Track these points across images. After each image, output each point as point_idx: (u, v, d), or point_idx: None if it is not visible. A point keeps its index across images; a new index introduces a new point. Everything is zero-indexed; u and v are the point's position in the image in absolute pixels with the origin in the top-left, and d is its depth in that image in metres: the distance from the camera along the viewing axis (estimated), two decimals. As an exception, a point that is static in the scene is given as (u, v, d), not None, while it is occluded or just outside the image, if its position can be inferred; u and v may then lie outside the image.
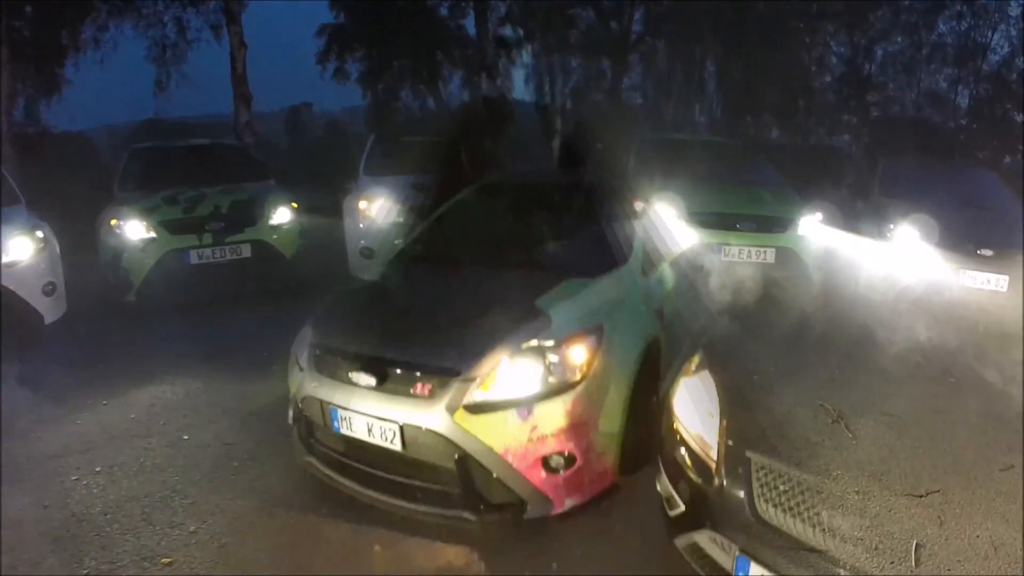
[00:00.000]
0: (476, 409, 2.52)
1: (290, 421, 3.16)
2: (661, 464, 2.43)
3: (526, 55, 20.06)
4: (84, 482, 3.26)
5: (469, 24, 19.23)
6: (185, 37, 14.94)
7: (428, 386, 2.59)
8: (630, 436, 2.90)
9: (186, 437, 3.76)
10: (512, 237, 3.84)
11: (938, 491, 1.76)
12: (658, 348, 3.28)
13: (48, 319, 4.45)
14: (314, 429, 3.06)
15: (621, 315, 2.97)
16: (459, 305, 2.99)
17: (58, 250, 4.76)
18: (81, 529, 2.87)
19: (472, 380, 2.55)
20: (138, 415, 4.02)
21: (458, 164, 16.10)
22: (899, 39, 28.27)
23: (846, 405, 2.13)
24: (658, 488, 2.46)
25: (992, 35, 27.36)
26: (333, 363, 2.89)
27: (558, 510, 2.65)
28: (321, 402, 2.85)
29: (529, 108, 23.37)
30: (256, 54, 13.90)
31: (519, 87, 22.42)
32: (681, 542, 2.24)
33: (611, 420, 2.77)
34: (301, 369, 3.04)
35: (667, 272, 3.79)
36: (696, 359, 2.50)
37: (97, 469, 3.39)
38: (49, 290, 4.61)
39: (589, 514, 2.78)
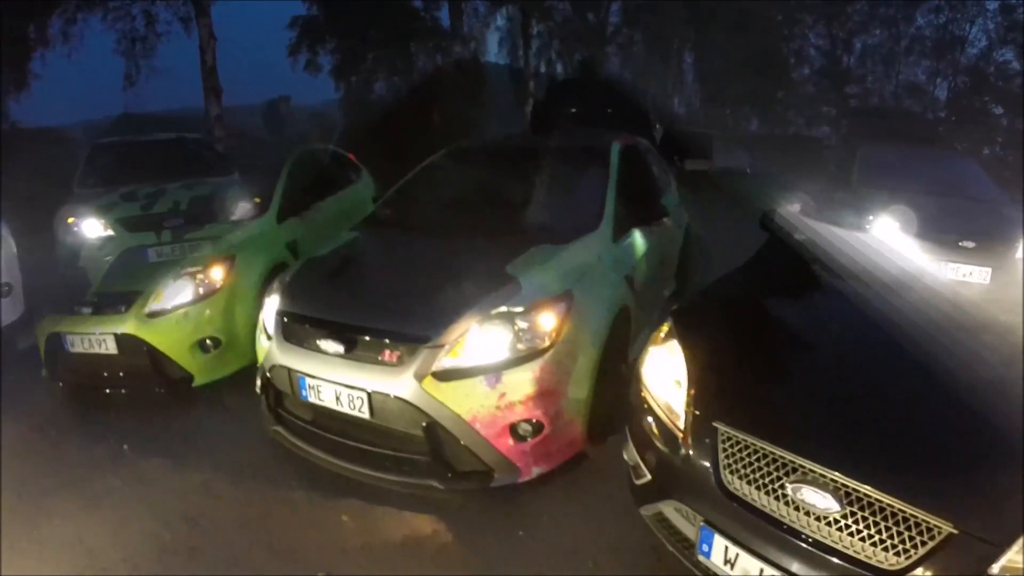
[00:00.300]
0: (444, 376, 2.49)
1: (258, 390, 3.10)
2: (628, 433, 2.43)
3: (500, 19, 19.61)
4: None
5: (444, 16, 18.80)
6: (155, 30, 14.70)
7: (396, 353, 2.55)
8: (598, 404, 2.90)
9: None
10: (483, 202, 3.76)
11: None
12: (628, 315, 3.27)
13: (5, 321, 4.33)
14: (282, 398, 3.01)
15: (591, 282, 2.94)
16: (428, 271, 2.94)
17: (14, 249, 4.60)
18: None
19: (440, 347, 2.51)
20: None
21: (429, 128, 15.81)
22: (878, 32, 28.54)
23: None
24: (625, 457, 2.46)
25: (970, 28, 27.68)
26: (301, 331, 2.82)
27: (525, 478, 2.66)
28: (289, 370, 2.79)
29: (502, 72, 23.00)
30: (231, 47, 13.48)
31: (492, 51, 22.03)
32: (647, 511, 2.24)
33: (579, 387, 2.76)
34: (269, 337, 2.98)
35: (638, 238, 3.77)
36: (665, 328, 2.48)
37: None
38: (6, 291, 4.46)
39: (556, 482, 2.80)
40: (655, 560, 2.38)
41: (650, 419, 2.24)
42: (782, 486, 1.77)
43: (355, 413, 2.62)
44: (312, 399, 2.74)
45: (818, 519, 1.70)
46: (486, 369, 2.51)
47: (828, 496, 1.69)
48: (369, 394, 2.55)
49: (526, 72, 20.84)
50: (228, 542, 2.56)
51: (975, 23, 27.21)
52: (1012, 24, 26.06)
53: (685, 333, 2.37)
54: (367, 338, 2.62)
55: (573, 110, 6.07)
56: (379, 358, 2.58)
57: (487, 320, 2.58)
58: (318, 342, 2.70)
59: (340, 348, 2.63)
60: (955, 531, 1.53)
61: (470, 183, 4.01)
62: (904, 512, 1.60)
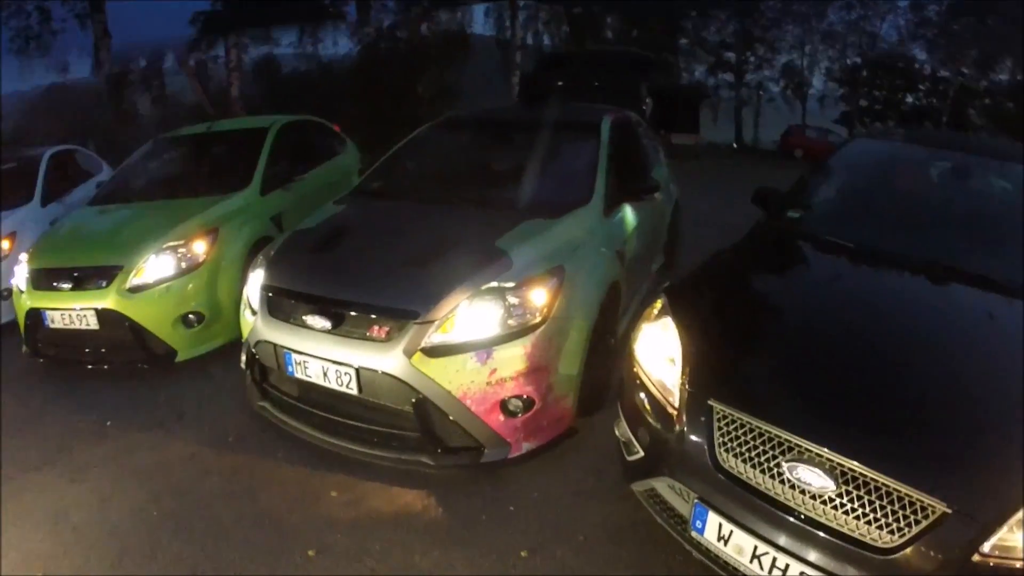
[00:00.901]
0: (434, 352, 2.47)
1: (243, 366, 3.06)
2: (620, 409, 2.42)
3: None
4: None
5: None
6: (50, 27, 14.14)
7: (385, 329, 2.52)
8: (588, 379, 2.90)
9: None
10: (472, 175, 3.71)
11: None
12: (618, 290, 3.26)
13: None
14: (268, 373, 2.97)
15: (582, 257, 2.91)
16: (417, 245, 2.88)
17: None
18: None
19: (430, 323, 2.48)
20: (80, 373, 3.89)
21: (414, 100, 15.52)
22: (790, 27, 28.44)
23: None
24: (616, 433, 2.46)
25: (881, 24, 27.63)
26: (286, 306, 2.78)
27: (516, 454, 2.65)
28: (275, 346, 2.75)
29: (489, 42, 22.63)
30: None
31: (479, 21, 21.62)
32: (638, 487, 2.24)
33: (570, 363, 2.75)
34: (254, 312, 2.93)
35: (628, 213, 3.74)
36: (659, 304, 2.46)
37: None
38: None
39: (545, 456, 2.79)
40: (644, 534, 2.40)
41: (643, 396, 2.23)
42: (777, 464, 1.76)
43: (342, 389, 2.59)
44: (298, 375, 2.71)
45: (813, 497, 1.70)
46: (476, 345, 2.48)
47: (823, 475, 1.69)
48: (357, 370, 2.52)
49: (512, 43, 20.51)
50: (215, 515, 2.55)
51: (886, 19, 27.35)
52: (923, 20, 26.07)
53: (679, 310, 2.34)
54: (354, 313, 2.58)
55: (561, 83, 5.98)
56: (367, 334, 2.55)
57: (477, 295, 2.55)
58: (304, 317, 2.66)
59: (327, 323, 2.59)
60: (948, 510, 1.55)
61: (460, 156, 3.95)
62: (899, 491, 1.61)
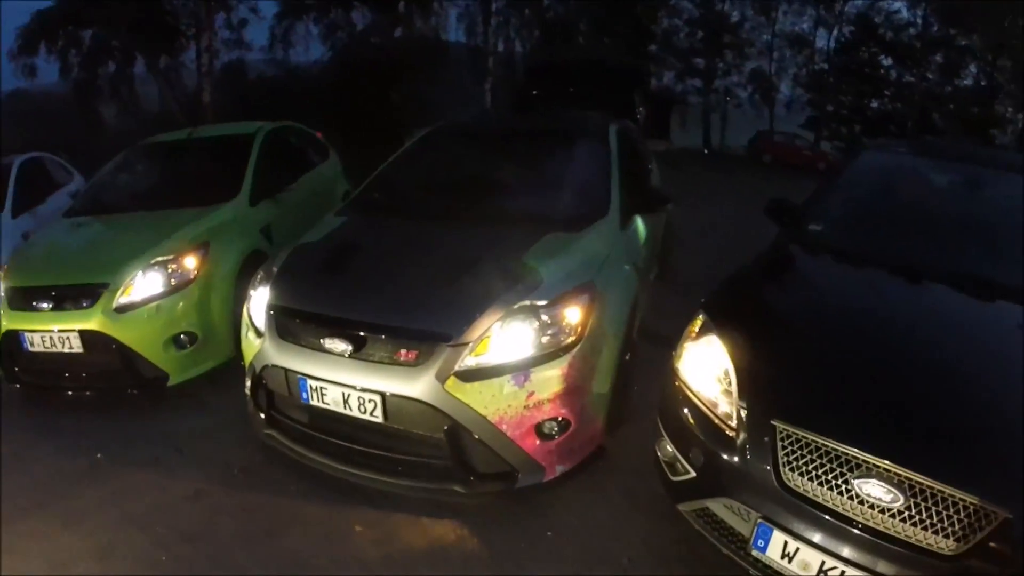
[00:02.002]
0: (469, 376, 2.32)
1: (247, 392, 2.86)
2: (663, 429, 2.34)
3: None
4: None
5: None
6: None
7: (413, 352, 2.36)
8: (614, 396, 2.79)
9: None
10: (482, 186, 3.55)
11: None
12: (637, 305, 3.16)
13: None
14: (274, 399, 2.77)
15: (609, 272, 2.80)
16: (437, 261, 2.72)
17: None
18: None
19: (464, 345, 2.33)
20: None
21: (388, 107, 15.27)
22: (757, 32, 28.43)
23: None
24: (658, 453, 2.38)
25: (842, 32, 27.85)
26: (299, 328, 2.59)
27: (550, 477, 2.52)
28: (287, 371, 2.56)
29: (460, 49, 22.49)
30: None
31: (451, 27, 21.48)
32: (688, 507, 2.20)
33: (602, 382, 2.64)
34: (259, 334, 2.72)
35: (640, 226, 3.65)
36: (699, 322, 2.38)
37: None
38: None
39: (576, 478, 2.66)
40: (687, 551, 2.35)
41: (692, 416, 2.18)
42: (846, 481, 1.78)
43: (366, 417, 2.42)
44: (314, 402, 2.52)
45: (881, 511, 1.74)
46: (513, 367, 2.35)
47: (892, 488, 1.73)
48: (384, 396, 2.35)
49: (485, 49, 20.43)
50: (234, 562, 2.34)
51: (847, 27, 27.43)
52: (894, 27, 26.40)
53: (723, 327, 2.28)
54: (380, 336, 2.41)
55: (554, 91, 5.88)
56: (394, 358, 2.38)
57: (510, 315, 2.41)
58: (321, 340, 2.48)
59: (348, 347, 2.41)
60: (1009, 515, 1.63)
61: (465, 165, 3.79)
62: (963, 500, 1.66)
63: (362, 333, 2.43)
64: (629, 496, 2.68)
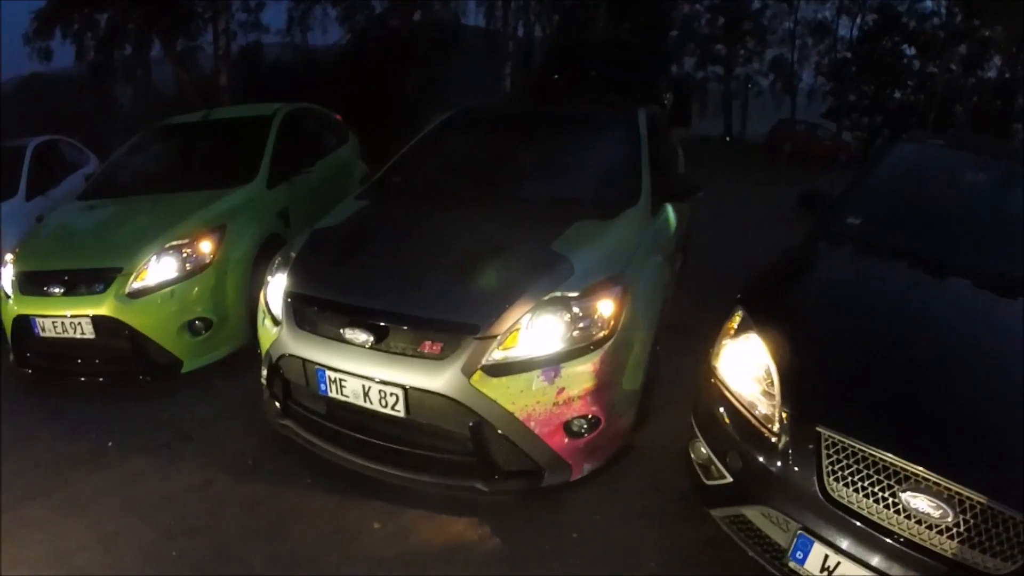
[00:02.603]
0: (497, 371, 2.20)
1: (263, 381, 2.76)
2: (697, 430, 2.23)
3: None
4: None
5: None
6: None
7: (439, 344, 2.24)
8: (644, 393, 2.68)
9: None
10: (507, 171, 3.43)
11: None
12: (667, 298, 3.02)
13: None
14: (290, 389, 2.68)
15: (640, 262, 2.67)
16: (462, 248, 2.59)
17: None
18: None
19: (492, 338, 2.21)
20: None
21: (406, 91, 15.10)
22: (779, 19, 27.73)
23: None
24: (691, 454, 2.27)
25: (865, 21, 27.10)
26: (318, 317, 2.49)
27: (577, 476, 2.41)
28: (304, 361, 2.46)
29: (479, 33, 22.22)
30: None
31: (470, 11, 21.21)
32: (721, 513, 2.11)
33: (633, 378, 2.52)
34: (276, 323, 2.62)
35: (670, 215, 3.50)
36: (738, 318, 2.25)
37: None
38: None
39: (603, 476, 2.56)
40: (715, 557, 2.24)
41: (730, 418, 2.06)
42: (893, 494, 1.69)
43: (387, 411, 2.31)
44: (332, 394, 2.42)
45: (929, 526, 1.65)
46: (544, 361, 2.22)
47: (943, 504, 1.64)
48: (406, 390, 2.24)
49: (505, 33, 20.15)
50: (242, 557, 2.26)
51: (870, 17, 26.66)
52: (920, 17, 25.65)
53: (763, 324, 2.15)
54: (403, 327, 2.30)
55: (577, 74, 5.71)
56: (418, 350, 2.26)
57: (540, 306, 2.28)
58: (341, 330, 2.37)
59: (369, 338, 2.30)
60: None
61: (489, 149, 3.66)
62: (1014, 518, 1.59)
63: (383, 323, 2.32)
64: (656, 494, 2.57)
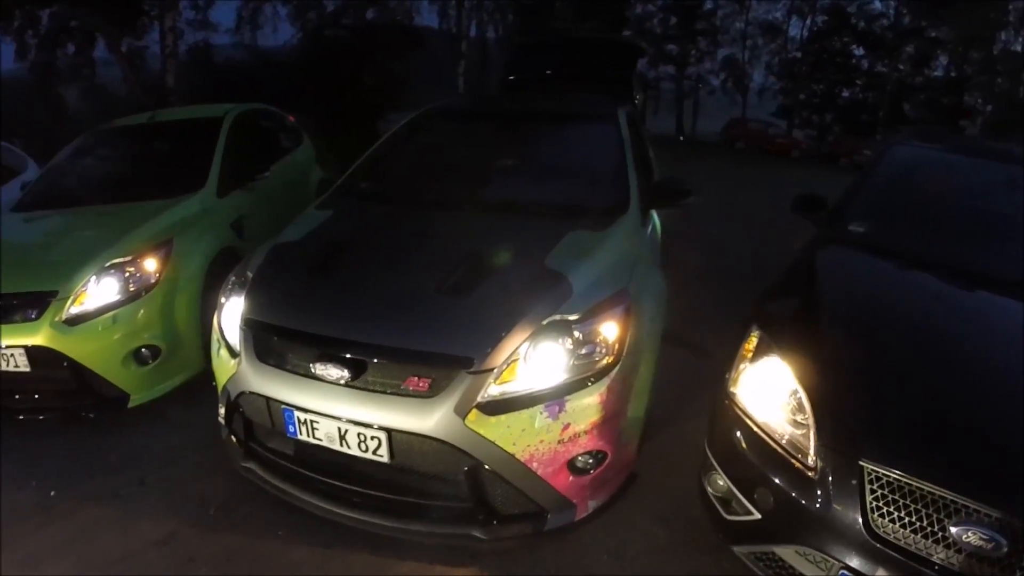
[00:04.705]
0: (494, 408, 1.95)
1: (220, 419, 2.45)
2: (715, 461, 2.06)
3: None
4: None
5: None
6: None
7: (427, 380, 1.98)
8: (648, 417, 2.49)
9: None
10: (485, 176, 3.18)
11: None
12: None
13: None
14: (253, 429, 2.38)
15: (641, 276, 2.46)
16: (445, 265, 2.33)
17: None
18: None
19: (488, 371, 1.96)
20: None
21: (360, 90, 14.63)
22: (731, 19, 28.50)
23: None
24: (707, 487, 2.10)
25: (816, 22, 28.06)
26: (282, 348, 2.19)
27: (582, 515, 2.19)
28: (268, 400, 2.16)
29: (432, 32, 21.88)
30: None
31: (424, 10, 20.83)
32: (747, 550, 1.95)
33: (639, 405, 2.31)
34: (234, 354, 2.31)
35: (657, 222, 3.33)
36: (754, 339, 2.07)
37: None
38: None
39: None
40: None
41: (757, 451, 1.89)
42: (943, 527, 1.60)
43: (367, 456, 2.04)
44: (303, 436, 2.13)
45: (980, 559, 1.57)
46: (546, 396, 1.99)
47: (996, 535, 1.55)
48: (390, 433, 1.98)
49: (459, 33, 19.90)
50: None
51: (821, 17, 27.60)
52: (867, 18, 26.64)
53: (785, 347, 2.00)
54: (385, 361, 2.03)
55: (548, 71, 5.47)
56: (403, 387, 2.00)
57: (540, 332, 2.05)
58: (310, 365, 2.07)
59: (343, 373, 2.02)
60: None
61: (465, 151, 3.41)
62: None
63: (360, 357, 2.03)
64: (664, 526, 2.41)
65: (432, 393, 1.96)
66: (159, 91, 12.04)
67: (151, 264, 3.20)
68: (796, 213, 3.16)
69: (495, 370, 1.97)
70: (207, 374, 3.25)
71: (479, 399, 1.95)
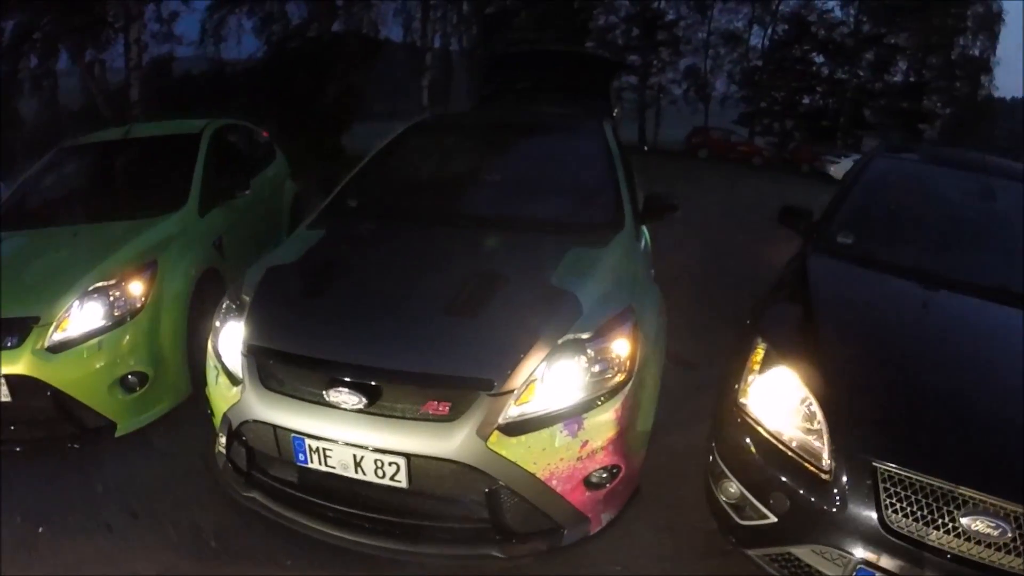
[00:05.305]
0: (514, 429, 1.95)
1: (220, 449, 2.38)
2: (727, 469, 2.11)
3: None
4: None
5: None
6: None
7: (446, 404, 1.97)
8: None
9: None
10: (478, 191, 3.19)
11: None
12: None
13: None
14: (255, 457, 2.32)
15: (642, 292, 2.51)
16: (451, 284, 2.33)
17: None
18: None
19: (508, 393, 1.96)
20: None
21: (324, 103, 14.51)
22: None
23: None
24: (719, 496, 2.15)
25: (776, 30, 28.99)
26: (291, 375, 2.14)
27: (596, 529, 2.20)
28: (276, 428, 2.11)
29: (397, 45, 21.84)
30: None
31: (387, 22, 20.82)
32: (763, 552, 2.02)
33: (646, 418, 2.34)
34: (235, 381, 2.25)
35: (647, 235, 3.37)
36: (761, 351, 2.14)
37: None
38: None
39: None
40: None
41: (770, 457, 1.98)
42: (953, 519, 1.72)
43: (384, 482, 2.01)
44: (314, 464, 2.09)
45: (987, 545, 1.69)
46: (565, 414, 2.00)
47: (1001, 523, 1.68)
48: (409, 458, 1.95)
49: (423, 45, 19.92)
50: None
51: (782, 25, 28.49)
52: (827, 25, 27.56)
53: (792, 357, 2.09)
54: (402, 386, 2.01)
55: (524, 84, 5.51)
56: (421, 411, 1.98)
57: (556, 352, 2.06)
58: (323, 392, 2.04)
59: (359, 400, 1.99)
60: None
61: (457, 166, 3.42)
62: None
63: (377, 382, 2.01)
64: (670, 534, 2.46)
65: (452, 416, 1.95)
66: (122, 104, 11.71)
67: (136, 287, 3.10)
68: (782, 224, 3.26)
69: (515, 391, 1.97)
70: (192, 400, 3.21)
71: (500, 421, 1.95)
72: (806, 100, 28.58)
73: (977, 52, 26.71)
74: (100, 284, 3.01)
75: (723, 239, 7.71)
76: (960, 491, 1.70)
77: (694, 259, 6.30)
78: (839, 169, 21.68)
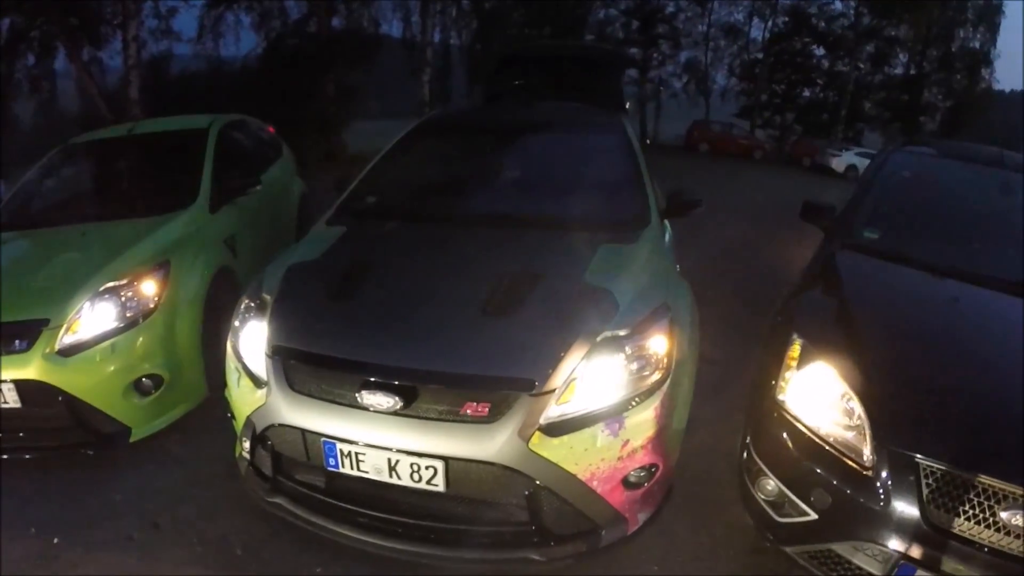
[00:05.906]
0: (556, 430, 1.89)
1: (244, 454, 2.30)
2: (764, 466, 2.09)
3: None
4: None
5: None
6: None
7: (486, 405, 1.90)
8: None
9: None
10: (504, 188, 3.12)
11: None
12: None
13: None
14: (282, 462, 2.25)
15: (675, 288, 2.46)
16: (483, 281, 2.26)
17: None
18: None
19: (549, 393, 1.90)
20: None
21: (324, 99, 14.37)
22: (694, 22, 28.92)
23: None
24: (757, 494, 2.13)
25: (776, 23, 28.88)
26: (321, 377, 2.07)
27: (633, 528, 2.14)
28: (305, 432, 2.04)
29: (396, 41, 21.71)
30: None
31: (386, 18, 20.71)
32: (801, 549, 2.01)
33: (681, 416, 2.28)
34: (259, 384, 2.18)
35: (669, 230, 3.31)
36: (797, 348, 2.10)
37: None
38: None
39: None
40: None
41: (811, 454, 1.96)
42: (993, 513, 1.73)
43: (420, 486, 1.95)
44: (346, 469, 2.02)
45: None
46: (606, 413, 1.94)
47: None
48: (447, 461, 1.89)
49: (422, 41, 19.79)
50: None
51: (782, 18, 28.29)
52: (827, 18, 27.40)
53: (830, 353, 2.06)
54: (439, 387, 1.94)
55: (536, 80, 5.43)
56: (459, 413, 1.91)
57: (595, 350, 2.00)
58: (356, 394, 1.97)
59: (395, 402, 1.92)
60: None
61: (477, 163, 3.33)
62: None
63: (413, 384, 1.94)
64: (704, 532, 2.44)
65: (492, 418, 1.89)
66: (121, 103, 11.58)
67: (149, 287, 3.03)
68: (804, 220, 3.21)
69: (556, 391, 1.91)
70: (209, 403, 3.14)
71: (541, 421, 1.89)
72: (806, 93, 28.50)
73: (977, 44, 26.62)
74: (111, 284, 2.93)
75: (731, 235, 7.64)
76: (1000, 486, 1.71)
77: (706, 257, 6.24)
78: (840, 162, 21.70)
